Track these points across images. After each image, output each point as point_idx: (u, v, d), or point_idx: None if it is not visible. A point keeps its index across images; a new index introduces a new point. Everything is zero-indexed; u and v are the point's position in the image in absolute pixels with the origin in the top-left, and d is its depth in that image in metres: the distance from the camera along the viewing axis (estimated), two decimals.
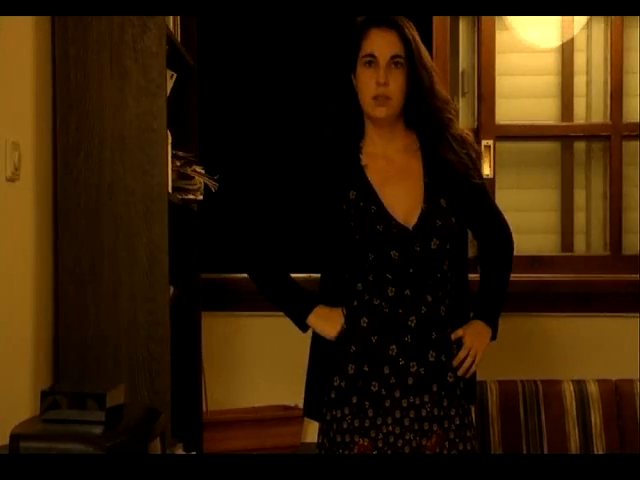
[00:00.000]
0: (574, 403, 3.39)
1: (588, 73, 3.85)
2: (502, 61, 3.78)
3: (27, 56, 2.65)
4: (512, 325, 3.19)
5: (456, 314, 2.41)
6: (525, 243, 3.65)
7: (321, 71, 3.07)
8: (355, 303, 2.38)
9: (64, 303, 2.76)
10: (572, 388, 3.41)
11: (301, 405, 2.48)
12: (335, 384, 2.38)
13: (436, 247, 2.34)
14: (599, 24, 3.80)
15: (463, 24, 3.82)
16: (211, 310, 3.54)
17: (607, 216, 3.79)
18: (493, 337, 2.46)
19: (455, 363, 2.38)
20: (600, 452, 3.35)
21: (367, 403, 2.35)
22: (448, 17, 3.71)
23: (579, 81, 3.85)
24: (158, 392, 2.74)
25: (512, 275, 2.54)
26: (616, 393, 3.43)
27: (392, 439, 2.34)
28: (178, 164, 3.01)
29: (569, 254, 3.82)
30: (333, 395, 2.38)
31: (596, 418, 3.38)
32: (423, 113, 2.39)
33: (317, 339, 2.44)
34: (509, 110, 3.81)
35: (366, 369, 2.35)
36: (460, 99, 3.82)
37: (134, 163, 2.74)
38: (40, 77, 2.72)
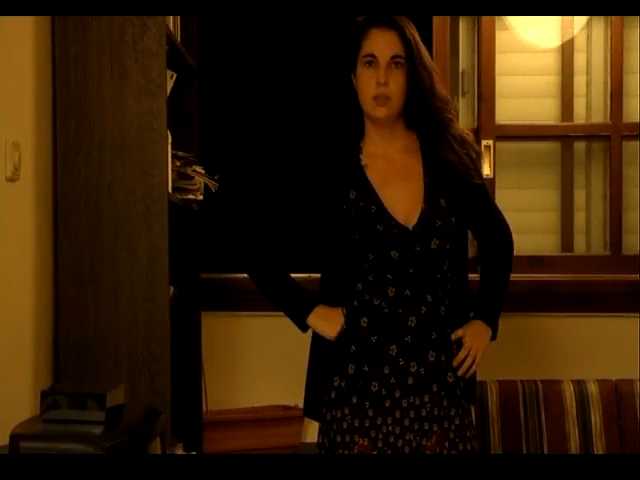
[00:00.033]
0: (574, 403, 3.39)
1: (588, 73, 3.85)
2: (502, 61, 3.78)
3: (27, 56, 2.65)
4: (512, 325, 3.20)
5: (456, 314, 2.41)
6: (525, 243, 3.65)
7: (321, 71, 3.07)
8: (355, 303, 2.38)
9: (64, 303, 2.76)
10: (572, 388, 3.41)
11: (301, 405, 2.48)
12: (335, 384, 2.38)
13: (436, 247, 2.34)
14: (599, 24, 3.81)
15: (463, 24, 3.82)
16: (211, 310, 3.54)
17: (607, 216, 3.79)
18: (493, 337, 2.47)
19: (455, 363, 2.38)
20: (600, 452, 3.35)
21: (367, 403, 2.35)
22: (448, 17, 3.71)
23: (579, 81, 3.85)
24: (158, 392, 2.74)
25: (512, 275, 2.54)
26: (616, 393, 3.43)
27: (392, 439, 2.34)
28: (178, 164, 3.01)
29: (569, 254, 3.82)
30: (333, 395, 2.38)
31: (596, 418, 3.38)
32: (423, 113, 2.39)
33: (317, 339, 2.44)
34: (509, 110, 3.81)
35: (366, 369, 2.35)
36: (460, 99, 3.83)
37: (134, 163, 2.74)
38: (40, 77, 2.72)
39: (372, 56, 2.34)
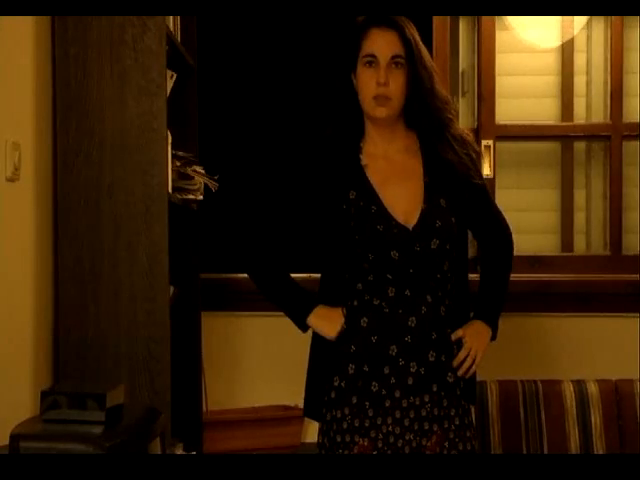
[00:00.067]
0: (574, 403, 3.39)
1: (588, 73, 3.85)
2: (502, 61, 3.78)
3: (27, 56, 2.65)
4: (512, 325, 3.20)
5: (456, 314, 2.41)
6: (525, 243, 3.65)
7: (321, 71, 3.07)
8: (355, 303, 2.37)
9: (64, 303, 2.76)
10: (572, 388, 3.41)
11: (301, 405, 2.48)
12: (335, 384, 2.38)
13: (436, 247, 2.34)
14: (599, 24, 3.81)
15: (463, 24, 3.82)
16: (211, 310, 3.54)
17: (607, 216, 3.79)
18: (493, 337, 2.47)
19: (455, 363, 2.38)
20: (600, 452, 3.35)
21: (367, 403, 2.35)
22: (448, 17, 3.71)
23: (579, 81, 3.85)
24: (158, 392, 2.74)
25: (512, 275, 2.54)
26: (616, 393, 3.43)
27: (392, 439, 2.34)
28: (178, 164, 3.01)
29: (569, 254, 3.82)
30: (333, 395, 2.38)
31: (596, 418, 3.38)
32: (423, 113, 2.39)
33: (317, 339, 2.44)
34: (509, 110, 3.81)
35: (366, 369, 2.35)
36: (460, 99, 3.83)
37: (134, 163, 2.74)
38: (40, 77, 2.72)
39: (372, 56, 2.34)
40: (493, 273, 2.53)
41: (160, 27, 2.74)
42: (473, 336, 2.40)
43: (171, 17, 3.05)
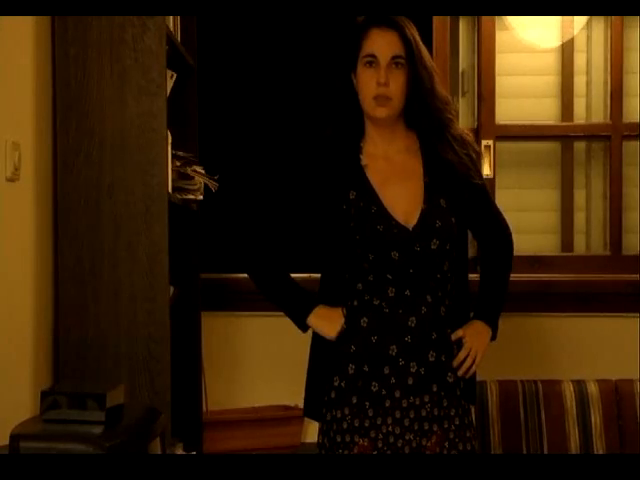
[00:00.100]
0: (574, 403, 3.39)
1: (588, 73, 3.85)
2: (502, 61, 3.78)
3: (27, 56, 2.65)
4: (512, 325, 3.20)
5: (456, 314, 2.41)
6: (525, 243, 3.65)
7: (321, 71, 3.08)
8: (355, 303, 2.37)
9: (64, 303, 2.76)
10: (572, 388, 3.41)
11: (301, 405, 2.48)
12: (335, 384, 2.38)
13: (436, 247, 2.34)
14: (599, 24, 3.81)
15: (463, 24, 3.82)
16: (211, 310, 3.54)
17: (607, 216, 3.79)
18: (493, 337, 2.47)
19: (455, 364, 2.38)
20: (600, 452, 3.35)
21: (367, 403, 2.35)
22: (448, 17, 3.71)
23: (579, 81, 3.85)
24: (158, 392, 2.74)
25: (512, 275, 2.54)
26: (616, 393, 3.43)
27: (392, 439, 2.34)
28: (178, 164, 3.01)
29: (569, 254, 3.82)
30: (333, 395, 2.38)
31: (596, 418, 3.38)
32: (423, 113, 2.39)
33: (317, 339, 2.44)
34: (509, 110, 3.81)
35: (366, 369, 2.35)
36: (460, 99, 3.83)
37: (134, 163, 2.74)
38: (40, 77, 2.72)
39: (372, 56, 2.34)
40: (493, 273, 2.53)
41: (160, 27, 2.74)
42: (473, 336, 2.40)
43: (171, 17, 3.05)
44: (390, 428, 2.34)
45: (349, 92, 2.40)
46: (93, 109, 2.74)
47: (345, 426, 2.35)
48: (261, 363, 3.64)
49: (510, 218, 2.58)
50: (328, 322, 2.39)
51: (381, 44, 2.34)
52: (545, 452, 3.35)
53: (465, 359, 2.38)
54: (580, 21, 3.75)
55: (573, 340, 3.61)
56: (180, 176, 3.05)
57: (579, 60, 3.84)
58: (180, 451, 3.17)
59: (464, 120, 3.76)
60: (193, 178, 3.14)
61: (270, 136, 3.77)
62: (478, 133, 3.69)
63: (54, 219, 2.78)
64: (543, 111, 3.84)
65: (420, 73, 2.35)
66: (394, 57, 2.34)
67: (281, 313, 2.47)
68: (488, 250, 2.54)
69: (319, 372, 2.42)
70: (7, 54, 2.51)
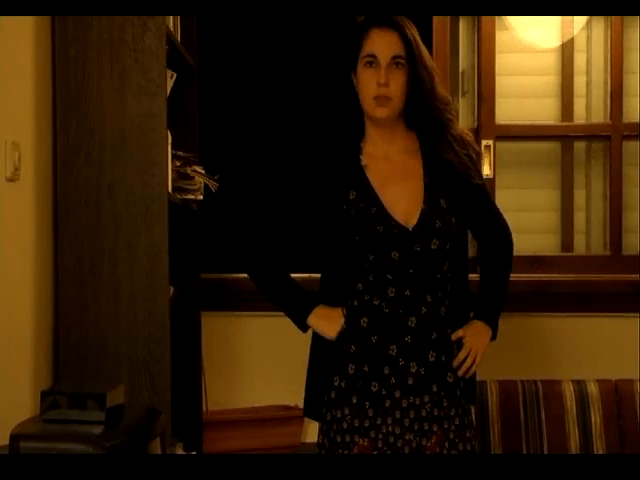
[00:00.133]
0: (574, 403, 3.39)
1: (588, 73, 3.85)
2: (502, 61, 3.78)
3: (27, 56, 2.65)
4: (512, 325, 3.20)
5: (456, 314, 2.41)
6: (525, 243, 3.65)
7: (321, 71, 3.08)
8: (355, 303, 2.37)
9: (64, 303, 2.76)
10: (572, 388, 3.41)
11: (301, 405, 2.48)
12: (335, 384, 2.38)
13: (436, 247, 2.34)
14: (599, 24, 3.81)
15: (463, 24, 3.82)
16: (211, 310, 3.54)
17: (607, 216, 3.79)
18: (493, 337, 2.47)
19: (455, 364, 2.38)
20: (600, 452, 3.35)
21: (367, 403, 2.34)
22: (448, 17, 3.71)
23: (579, 81, 3.85)
24: (158, 392, 2.74)
25: (512, 275, 2.54)
26: (616, 393, 3.43)
27: (392, 439, 2.34)
28: (178, 164, 3.01)
29: (569, 254, 3.82)
30: (333, 395, 2.38)
31: (596, 418, 3.38)
32: (423, 114, 2.39)
33: (317, 339, 2.44)
34: (509, 110, 3.81)
35: (366, 369, 2.35)
36: (460, 99, 3.83)
37: (134, 163, 2.74)
38: (40, 77, 2.72)
39: (373, 56, 2.34)
40: (493, 273, 2.53)
41: (160, 27, 2.74)
42: (473, 336, 2.40)
43: (171, 17, 3.05)
44: (390, 428, 2.34)
45: (349, 92, 2.40)
46: (93, 109, 2.74)
47: (345, 426, 2.35)
48: (261, 363, 3.64)
49: (510, 218, 2.58)
50: (328, 322, 2.39)
51: (381, 44, 2.34)
52: (545, 452, 3.35)
53: (465, 359, 2.38)
54: (580, 21, 3.75)
55: (573, 340, 3.61)
56: (180, 176, 3.05)
57: (579, 60, 3.84)
58: (180, 451, 3.17)
59: (464, 120, 3.76)
60: (193, 178, 3.14)
61: (270, 136, 3.77)
62: (478, 133, 3.69)
63: (54, 219, 2.78)
64: (543, 111, 3.84)
65: (420, 73, 2.35)
66: (394, 57, 2.34)
67: (281, 313, 2.47)
68: (488, 250, 2.54)
69: (319, 372, 2.42)
70: (7, 54, 2.51)
